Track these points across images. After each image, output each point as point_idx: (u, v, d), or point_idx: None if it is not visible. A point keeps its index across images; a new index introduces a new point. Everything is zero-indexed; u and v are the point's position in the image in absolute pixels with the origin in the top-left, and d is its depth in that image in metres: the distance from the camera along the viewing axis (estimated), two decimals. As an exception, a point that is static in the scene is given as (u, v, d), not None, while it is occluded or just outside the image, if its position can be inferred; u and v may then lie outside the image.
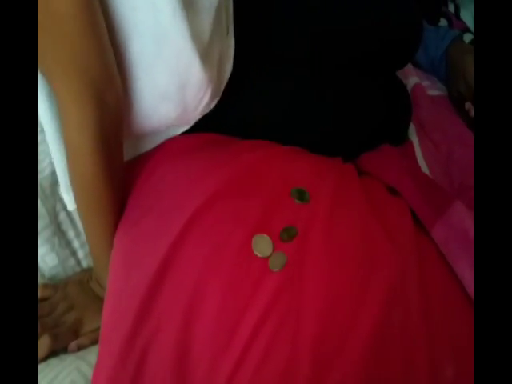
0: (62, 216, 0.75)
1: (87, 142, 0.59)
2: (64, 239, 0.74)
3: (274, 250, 0.60)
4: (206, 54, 0.65)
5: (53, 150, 0.69)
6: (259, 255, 0.59)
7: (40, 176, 0.73)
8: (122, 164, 0.66)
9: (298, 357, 0.54)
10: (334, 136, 0.81)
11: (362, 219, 0.66)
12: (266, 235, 0.61)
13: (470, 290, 0.64)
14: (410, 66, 1.10)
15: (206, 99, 0.69)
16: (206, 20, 0.66)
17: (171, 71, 0.64)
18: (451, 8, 1.25)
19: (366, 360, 0.55)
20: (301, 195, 0.66)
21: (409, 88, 1.03)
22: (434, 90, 1.10)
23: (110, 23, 0.59)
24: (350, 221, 0.66)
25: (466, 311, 0.63)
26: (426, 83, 1.09)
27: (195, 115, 0.72)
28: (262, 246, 0.61)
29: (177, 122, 0.71)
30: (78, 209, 0.66)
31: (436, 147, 0.94)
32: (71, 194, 0.69)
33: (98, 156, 0.60)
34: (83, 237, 0.75)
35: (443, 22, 1.26)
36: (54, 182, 0.75)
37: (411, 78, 1.06)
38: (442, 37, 1.11)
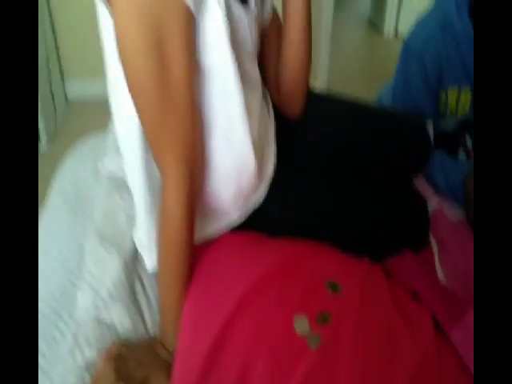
0: (138, 288, 0.91)
1: (181, 202, 0.77)
2: (137, 308, 0.88)
3: (310, 330, 0.74)
4: (254, 150, 0.87)
5: (142, 220, 0.88)
6: (299, 333, 0.73)
7: (124, 253, 0.91)
8: (193, 235, 0.82)
9: None
10: (357, 237, 1.00)
11: (387, 314, 0.81)
12: (304, 316, 0.76)
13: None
14: (431, 191, 1.28)
15: (255, 184, 0.91)
16: (256, 125, 0.90)
17: (235, 160, 0.86)
18: (469, 141, 1.45)
19: None
20: (334, 287, 0.82)
21: (430, 210, 1.20)
22: (454, 214, 1.24)
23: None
24: (377, 314, 0.81)
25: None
26: (446, 207, 1.25)
27: (246, 202, 0.92)
28: (302, 325, 0.75)
29: (232, 205, 0.91)
30: (160, 265, 0.81)
31: (455, 265, 1.08)
32: (153, 255, 0.87)
33: (186, 216, 0.78)
34: (152, 309, 0.90)
35: (462, 154, 1.46)
36: (134, 259, 0.92)
37: (432, 200, 1.23)
38: (459, 168, 1.29)
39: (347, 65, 3.52)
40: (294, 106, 1.03)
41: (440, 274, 1.01)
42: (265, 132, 0.96)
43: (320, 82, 2.97)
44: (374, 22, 4.18)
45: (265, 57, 1.00)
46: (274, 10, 0.98)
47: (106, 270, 0.88)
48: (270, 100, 1.03)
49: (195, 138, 0.79)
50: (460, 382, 0.78)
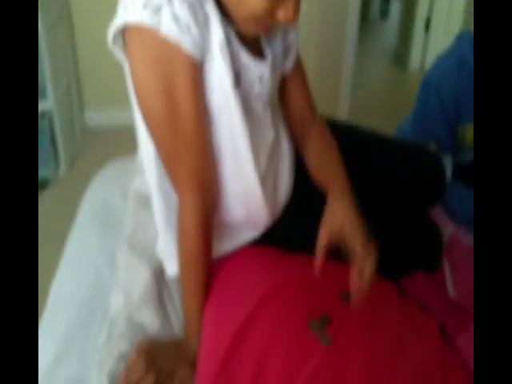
0: (165, 294, 1.07)
1: (195, 223, 0.92)
2: (165, 312, 1.04)
3: (324, 331, 0.88)
4: (262, 181, 1.03)
5: (161, 232, 1.04)
6: (312, 334, 0.87)
7: (153, 262, 1.08)
8: (211, 249, 0.97)
9: None
10: None
11: (395, 320, 0.95)
12: (318, 320, 0.89)
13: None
14: (447, 218, 1.42)
15: (265, 211, 1.06)
16: (264, 159, 1.04)
17: (241, 185, 1.02)
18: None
19: None
20: (347, 297, 0.94)
21: (445, 235, 1.34)
22: (469, 239, 1.38)
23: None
24: (386, 320, 0.95)
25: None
26: (461, 233, 1.39)
27: (259, 221, 1.08)
28: (315, 327, 0.88)
29: (245, 222, 1.06)
30: (181, 276, 0.97)
31: (467, 286, 1.21)
32: (172, 262, 1.03)
33: (201, 234, 0.93)
34: (178, 313, 1.05)
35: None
36: (162, 268, 1.09)
37: (448, 227, 1.37)
38: None
39: (370, 98, 3.70)
40: None
41: (450, 291, 1.15)
42: (277, 164, 1.11)
43: (341, 113, 3.15)
44: (400, 57, 4.38)
45: (285, 102, 1.15)
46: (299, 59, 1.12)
47: (137, 276, 1.04)
48: (287, 134, 1.17)
49: (207, 168, 0.94)
50: (462, 379, 0.90)
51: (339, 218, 1.00)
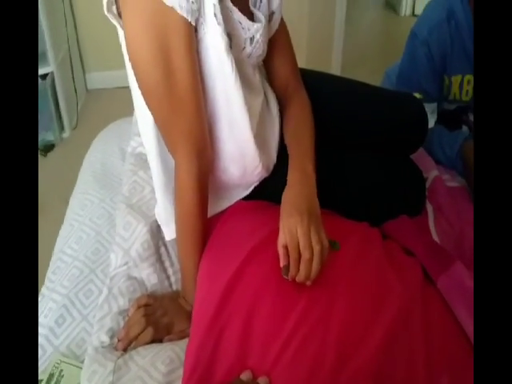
0: (162, 250, 1.06)
1: (192, 184, 0.91)
2: (162, 266, 1.04)
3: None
4: (255, 141, 1.00)
5: (160, 198, 1.03)
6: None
7: (150, 220, 1.07)
8: (206, 209, 0.97)
9: (325, 350, 0.79)
10: (357, 203, 1.12)
11: (379, 263, 0.94)
12: None
13: (464, 324, 0.89)
14: (432, 162, 1.39)
15: (260, 169, 1.05)
16: (256, 119, 1.02)
17: (237, 145, 1.00)
18: (471, 117, 1.55)
19: (375, 362, 0.79)
20: (333, 245, 0.94)
21: (430, 179, 1.32)
22: (453, 182, 1.37)
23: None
24: (370, 263, 0.94)
25: (461, 339, 0.87)
26: (446, 177, 1.37)
27: (253, 178, 1.06)
28: None
29: (239, 181, 1.05)
30: (178, 235, 0.96)
31: (450, 226, 1.20)
32: (170, 227, 1.02)
33: (197, 195, 0.92)
34: (175, 267, 1.05)
35: (465, 129, 1.56)
36: (158, 226, 1.08)
37: (432, 171, 1.35)
38: (455, 138, 1.41)
39: (363, 44, 3.59)
40: None
41: (434, 234, 1.14)
42: (267, 123, 1.08)
43: (335, 61, 3.06)
44: (391, 4, 4.24)
45: (269, 66, 1.12)
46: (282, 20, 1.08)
47: (135, 234, 1.03)
48: (274, 95, 1.14)
49: (202, 131, 0.92)
50: (444, 325, 0.90)
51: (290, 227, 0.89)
